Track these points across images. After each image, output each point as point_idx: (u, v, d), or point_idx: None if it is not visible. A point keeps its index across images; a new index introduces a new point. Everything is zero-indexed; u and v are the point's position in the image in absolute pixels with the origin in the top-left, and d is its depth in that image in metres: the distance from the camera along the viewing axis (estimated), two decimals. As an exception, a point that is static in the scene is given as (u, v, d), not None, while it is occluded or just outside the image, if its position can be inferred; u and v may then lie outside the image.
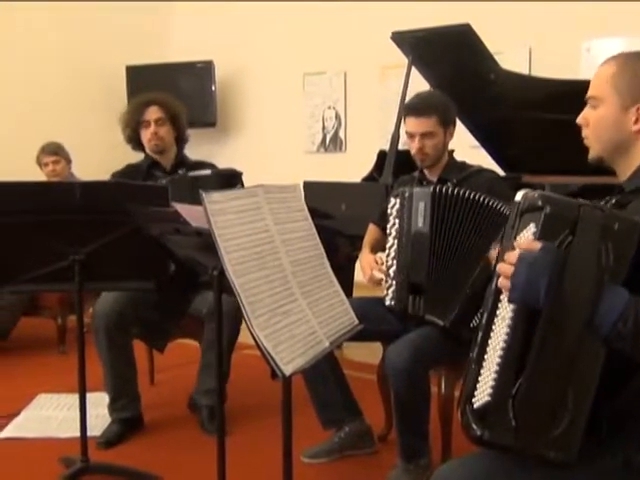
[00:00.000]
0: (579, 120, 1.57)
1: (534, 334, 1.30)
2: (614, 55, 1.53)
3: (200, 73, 6.41)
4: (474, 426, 1.34)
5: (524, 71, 4.58)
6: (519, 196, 1.40)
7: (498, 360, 1.33)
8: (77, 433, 2.59)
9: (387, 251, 2.59)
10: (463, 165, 2.75)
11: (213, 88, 6.39)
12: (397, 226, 2.55)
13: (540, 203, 1.33)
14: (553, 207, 1.32)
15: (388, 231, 2.60)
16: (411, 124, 2.65)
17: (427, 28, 3.71)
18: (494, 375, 1.33)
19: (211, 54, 6.35)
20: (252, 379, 3.63)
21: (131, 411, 3.07)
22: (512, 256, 1.32)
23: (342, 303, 1.89)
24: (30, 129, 5.49)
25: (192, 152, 3.47)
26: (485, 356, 1.36)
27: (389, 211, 2.59)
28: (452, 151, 2.79)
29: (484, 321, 1.40)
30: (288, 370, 1.51)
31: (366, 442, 2.81)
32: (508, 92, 3.76)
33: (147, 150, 3.22)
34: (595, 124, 1.53)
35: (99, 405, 3.15)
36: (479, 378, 1.36)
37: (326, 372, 2.69)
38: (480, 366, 1.37)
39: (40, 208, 2.40)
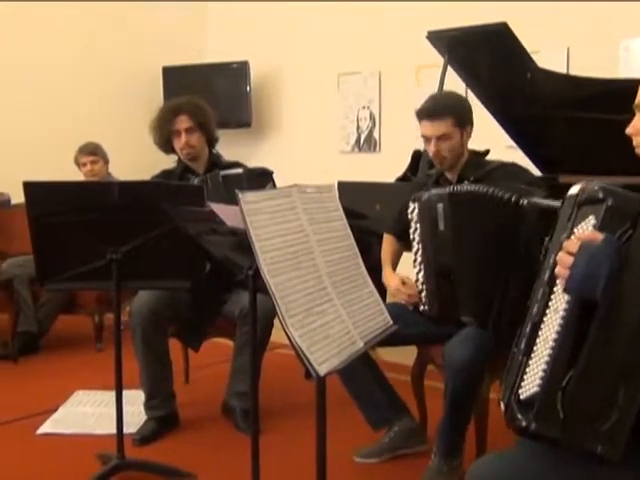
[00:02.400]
0: (629, 130, 1.55)
1: (588, 327, 1.27)
2: None
3: (235, 74, 6.44)
4: (520, 416, 1.32)
5: (562, 70, 4.52)
6: (575, 189, 1.38)
7: (549, 351, 1.31)
8: (113, 430, 2.62)
9: (413, 257, 2.56)
10: (483, 162, 2.69)
11: (248, 89, 6.41)
12: (420, 231, 2.50)
13: (601, 195, 1.31)
14: (615, 200, 1.30)
15: (412, 236, 2.54)
16: (425, 128, 2.62)
17: (463, 27, 3.68)
18: (544, 366, 1.31)
19: (246, 55, 6.38)
20: (286, 378, 3.64)
21: (166, 409, 3.10)
22: (572, 246, 1.29)
23: (377, 303, 1.89)
24: (68, 130, 5.57)
25: (227, 152, 3.49)
26: (534, 347, 1.35)
27: (410, 216, 2.53)
28: (487, 151, 2.76)
29: (534, 312, 1.38)
30: (322, 370, 1.51)
31: (417, 440, 2.79)
32: (545, 91, 3.71)
33: (180, 157, 3.25)
34: None
35: (135, 402, 3.19)
36: (527, 369, 1.34)
37: (364, 373, 2.69)
38: (528, 357, 1.35)
39: (78, 208, 2.44)
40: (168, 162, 3.38)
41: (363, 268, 1.89)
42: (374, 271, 2.78)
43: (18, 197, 2.48)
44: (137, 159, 4.71)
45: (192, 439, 3.03)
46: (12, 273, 4.30)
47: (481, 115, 4.04)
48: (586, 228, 1.32)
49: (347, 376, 2.67)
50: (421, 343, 2.77)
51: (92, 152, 4.62)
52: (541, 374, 1.31)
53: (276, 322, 2.29)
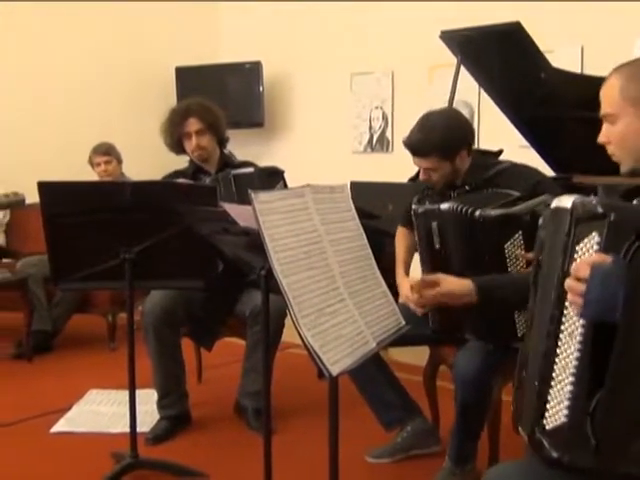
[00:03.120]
0: (600, 139, 1.57)
1: (609, 349, 1.23)
2: (613, 70, 1.55)
3: (248, 74, 6.45)
4: (549, 448, 1.28)
5: (576, 69, 4.50)
6: (566, 203, 1.33)
7: (572, 379, 1.27)
8: (126, 429, 2.64)
9: (420, 256, 2.56)
10: (489, 164, 2.58)
11: (261, 89, 6.42)
12: (419, 244, 2.52)
13: (601, 210, 1.25)
14: (617, 214, 1.24)
15: (416, 237, 2.55)
16: (412, 158, 2.58)
17: (476, 27, 3.67)
18: (568, 395, 1.27)
19: (259, 55, 6.39)
20: (298, 378, 3.64)
21: (179, 408, 3.11)
22: (582, 271, 1.25)
23: (389, 304, 1.89)
24: (82, 130, 5.60)
25: (239, 152, 3.49)
26: (553, 374, 1.30)
27: (413, 218, 2.54)
28: (500, 151, 2.73)
29: (544, 335, 1.34)
30: (335, 370, 1.51)
31: (430, 440, 2.78)
32: (559, 91, 3.69)
33: (192, 158, 3.26)
34: (619, 139, 1.54)
35: (148, 402, 3.20)
36: (548, 398, 1.30)
37: (376, 373, 2.68)
38: (547, 385, 1.31)
39: (92, 208, 2.45)
40: (181, 162, 3.39)
41: (376, 268, 1.89)
42: (387, 271, 2.78)
43: (32, 197, 2.49)
44: (151, 159, 4.73)
45: (205, 439, 3.04)
46: (26, 272, 4.33)
47: (494, 115, 4.03)
48: (590, 246, 1.27)
49: (359, 376, 2.67)
50: (432, 344, 2.76)
51: (106, 152, 4.64)
52: (566, 403, 1.27)
53: (288, 322, 2.30)
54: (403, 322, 1.91)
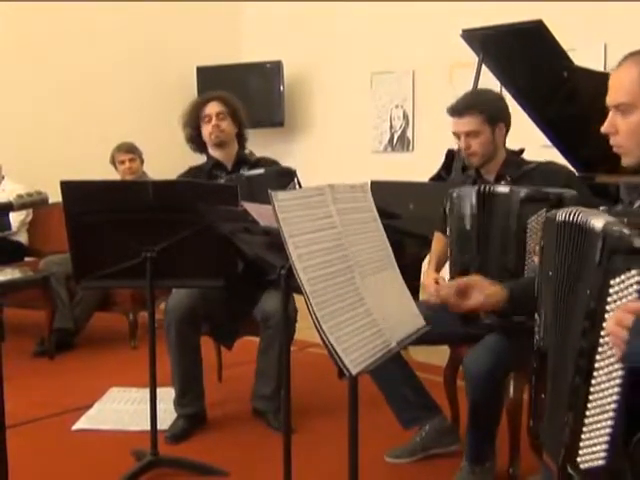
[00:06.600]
0: (606, 129, 1.50)
1: None
2: (628, 57, 1.51)
3: (269, 73, 6.48)
4: None
5: (599, 68, 4.46)
6: (596, 222, 1.28)
7: (610, 422, 1.24)
8: (147, 427, 2.65)
9: (448, 251, 2.59)
10: (521, 161, 2.68)
11: (281, 88, 6.44)
12: (449, 229, 2.54)
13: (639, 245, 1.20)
14: None
15: (447, 232, 2.59)
16: (454, 124, 2.62)
17: (498, 25, 3.66)
18: (607, 437, 1.24)
19: (280, 54, 6.41)
20: (318, 378, 3.64)
21: (196, 407, 3.12)
22: (625, 319, 1.20)
23: (409, 304, 1.88)
24: (103, 130, 5.64)
25: (260, 151, 3.49)
26: (587, 412, 1.27)
27: (447, 212, 2.57)
28: (521, 150, 2.74)
29: (571, 369, 1.30)
30: (355, 370, 1.51)
31: (449, 439, 2.77)
32: (582, 89, 3.67)
33: (209, 146, 3.23)
34: (631, 130, 1.46)
35: (169, 400, 3.21)
36: (582, 436, 1.28)
37: (395, 372, 2.68)
38: (580, 422, 1.28)
39: (114, 207, 2.47)
40: (201, 161, 3.40)
41: (397, 269, 1.88)
42: (406, 271, 2.78)
43: (55, 196, 2.51)
44: (171, 159, 4.74)
45: (225, 437, 3.05)
46: (49, 271, 4.37)
47: (516, 114, 4.00)
48: (629, 284, 1.22)
49: (378, 375, 2.67)
50: (450, 343, 2.75)
51: (130, 150, 4.69)
52: (605, 446, 1.25)
53: (308, 321, 2.30)
54: (423, 322, 1.90)
